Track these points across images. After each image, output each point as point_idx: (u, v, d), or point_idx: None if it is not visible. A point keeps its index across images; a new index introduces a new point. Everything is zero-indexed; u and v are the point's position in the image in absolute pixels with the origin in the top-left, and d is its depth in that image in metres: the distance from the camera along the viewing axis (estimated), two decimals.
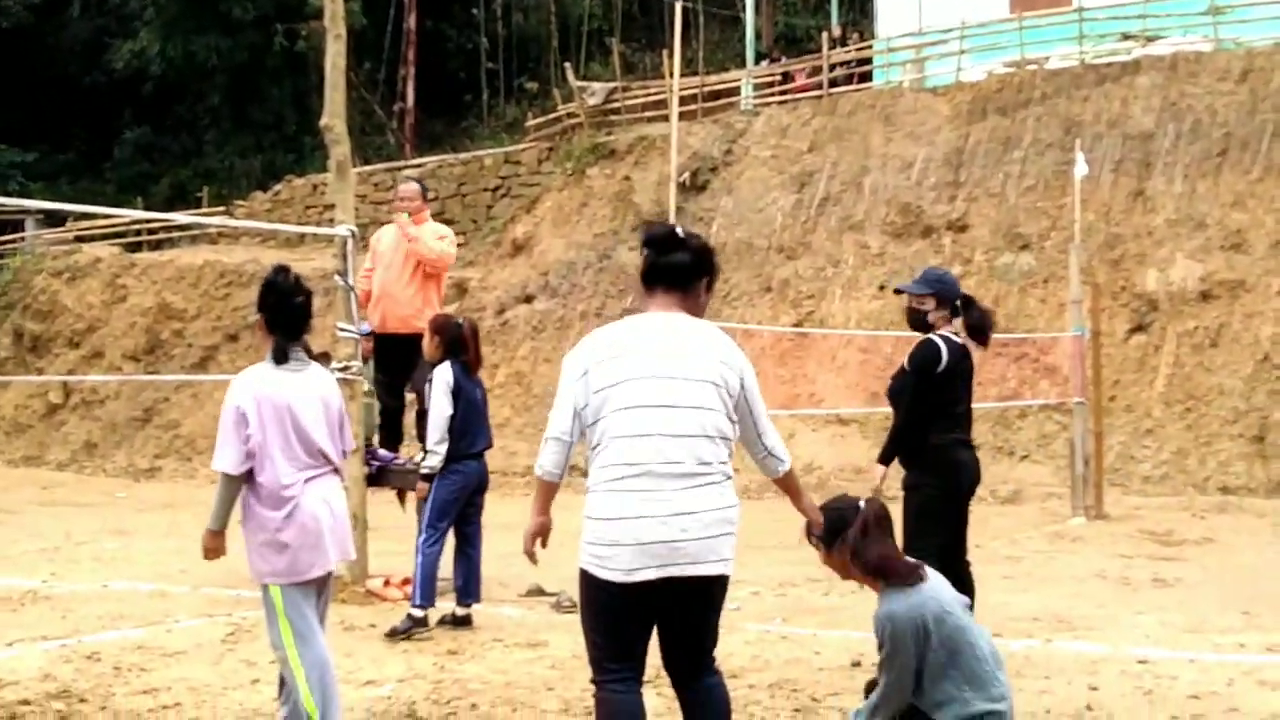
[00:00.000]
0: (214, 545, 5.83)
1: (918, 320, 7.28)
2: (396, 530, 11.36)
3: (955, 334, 7.20)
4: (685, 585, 4.58)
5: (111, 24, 37.95)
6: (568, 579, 10.10)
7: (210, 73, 36.40)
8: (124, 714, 6.67)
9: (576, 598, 9.45)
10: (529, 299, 23.27)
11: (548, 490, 4.94)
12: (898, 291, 7.78)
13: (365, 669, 7.61)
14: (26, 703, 6.82)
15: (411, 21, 35.55)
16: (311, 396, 5.91)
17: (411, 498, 10.81)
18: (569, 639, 8.52)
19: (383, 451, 10.81)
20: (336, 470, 6.03)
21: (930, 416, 7.08)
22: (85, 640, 8.61)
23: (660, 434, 4.61)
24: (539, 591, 10.01)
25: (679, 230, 4.99)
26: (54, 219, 31.92)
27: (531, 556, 4.98)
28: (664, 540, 4.53)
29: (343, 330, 10.27)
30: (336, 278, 10.49)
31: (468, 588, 9.12)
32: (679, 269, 4.89)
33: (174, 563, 12.37)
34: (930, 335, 7.16)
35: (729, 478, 4.70)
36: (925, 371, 7.07)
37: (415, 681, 7.39)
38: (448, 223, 23.79)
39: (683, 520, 4.54)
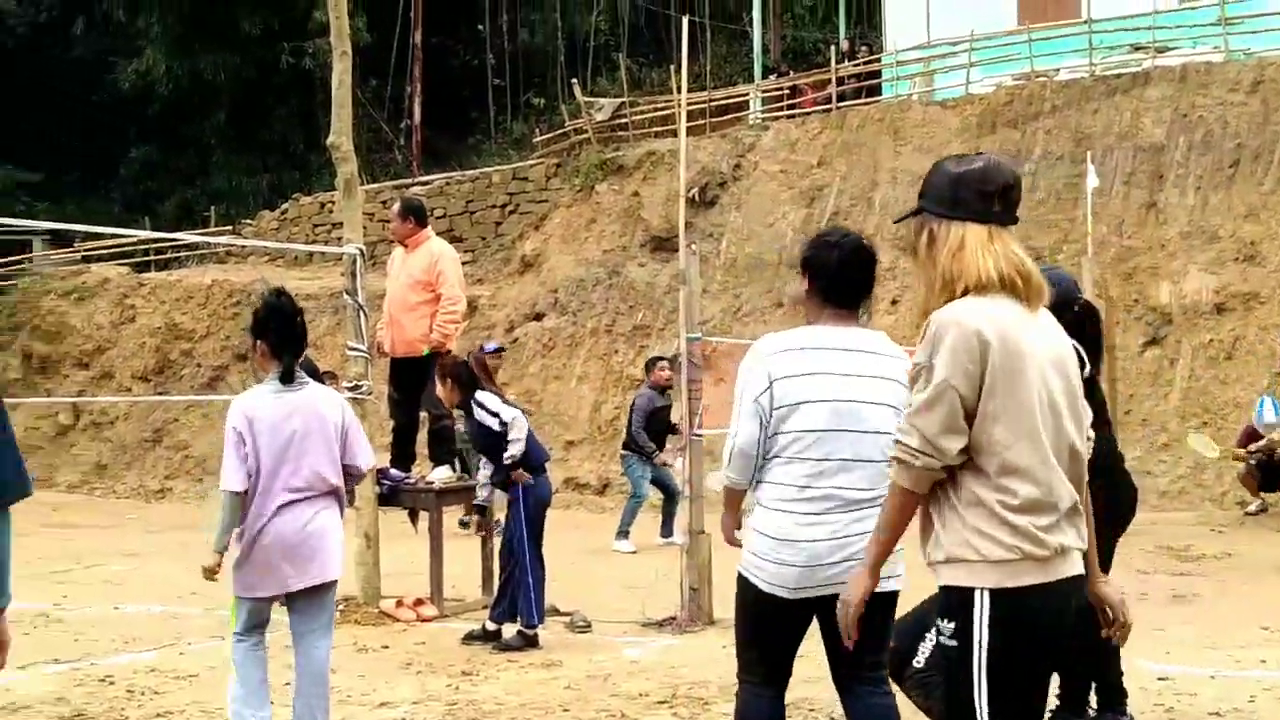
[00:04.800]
0: (213, 565, 6.01)
1: None
2: (409, 549, 11.35)
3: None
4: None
5: (117, 43, 38.03)
6: (580, 599, 10.16)
7: (216, 91, 36.46)
8: None
9: (589, 617, 9.53)
10: (539, 316, 23.27)
11: (737, 496, 4.91)
12: None
13: (379, 691, 7.61)
14: None
15: (418, 38, 35.59)
16: (310, 416, 5.98)
17: (424, 517, 10.85)
18: (583, 659, 8.54)
19: (394, 471, 10.81)
20: (334, 491, 6.07)
21: None
22: (98, 663, 8.63)
23: (840, 459, 4.62)
24: (554, 611, 9.99)
25: (865, 241, 4.95)
26: (61, 239, 31.98)
27: (733, 542, 4.96)
28: (835, 562, 4.55)
29: (352, 349, 10.29)
30: (345, 296, 10.51)
31: (513, 607, 9.17)
32: (865, 282, 4.87)
33: (185, 584, 12.35)
34: None
35: None
36: None
37: (429, 703, 7.39)
38: (455, 240, 23.91)
39: (855, 543, 4.50)
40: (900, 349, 4.87)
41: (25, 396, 25.37)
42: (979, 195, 3.61)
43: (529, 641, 8.93)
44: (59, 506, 21.00)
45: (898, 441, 3.56)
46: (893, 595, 4.70)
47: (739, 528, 4.95)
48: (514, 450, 8.90)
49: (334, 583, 6.15)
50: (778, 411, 4.66)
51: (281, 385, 6.03)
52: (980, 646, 3.45)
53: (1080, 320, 6.59)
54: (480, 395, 9.02)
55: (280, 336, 6.08)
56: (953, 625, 3.51)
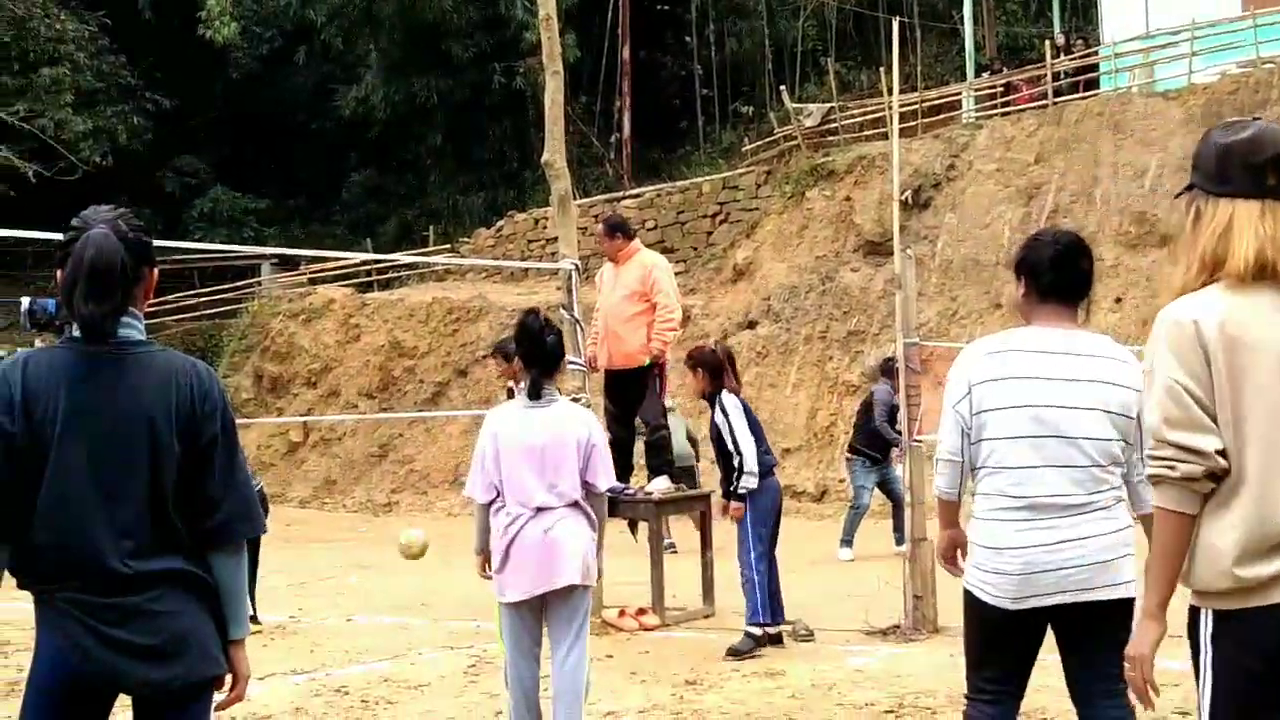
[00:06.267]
0: (478, 566, 6.48)
1: None
2: (633, 558, 11.47)
3: None
4: (1080, 611, 4.49)
5: (336, 71, 39.20)
6: (801, 608, 10.13)
7: (431, 113, 37.30)
8: None
9: (811, 626, 9.51)
10: (752, 325, 23.27)
11: (948, 508, 4.81)
12: None
13: (604, 700, 7.69)
14: None
15: (626, 53, 35.90)
16: (555, 432, 6.22)
17: (643, 528, 10.97)
18: (807, 668, 8.51)
19: (614, 483, 10.93)
20: (576, 504, 6.24)
21: None
22: (333, 674, 8.91)
23: (1046, 465, 4.49)
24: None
25: (1081, 240, 4.78)
26: (288, 262, 33.03)
27: (951, 568, 4.87)
28: (1054, 568, 4.43)
29: (571, 363, 10.44)
30: (562, 311, 10.69)
31: (778, 609, 9.27)
32: (1082, 279, 4.68)
33: (415, 596, 12.71)
34: None
35: (1120, 500, 4.54)
36: None
37: (654, 712, 7.45)
38: (667, 251, 24.03)
39: (1073, 547, 4.43)
40: (1124, 350, 4.70)
41: (258, 416, 26.34)
42: (1247, 168, 3.30)
43: (757, 641, 8.97)
44: (292, 521, 21.72)
45: (1151, 458, 3.34)
46: (1129, 602, 4.54)
47: (957, 545, 4.83)
48: (748, 484, 9.04)
49: (581, 591, 6.33)
50: (977, 418, 4.58)
51: (529, 401, 6.30)
52: (1205, 667, 3.31)
53: None
54: (726, 399, 9.14)
55: (528, 353, 6.38)
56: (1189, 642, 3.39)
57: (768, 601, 9.09)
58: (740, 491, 9.07)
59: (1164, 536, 3.34)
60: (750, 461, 9.02)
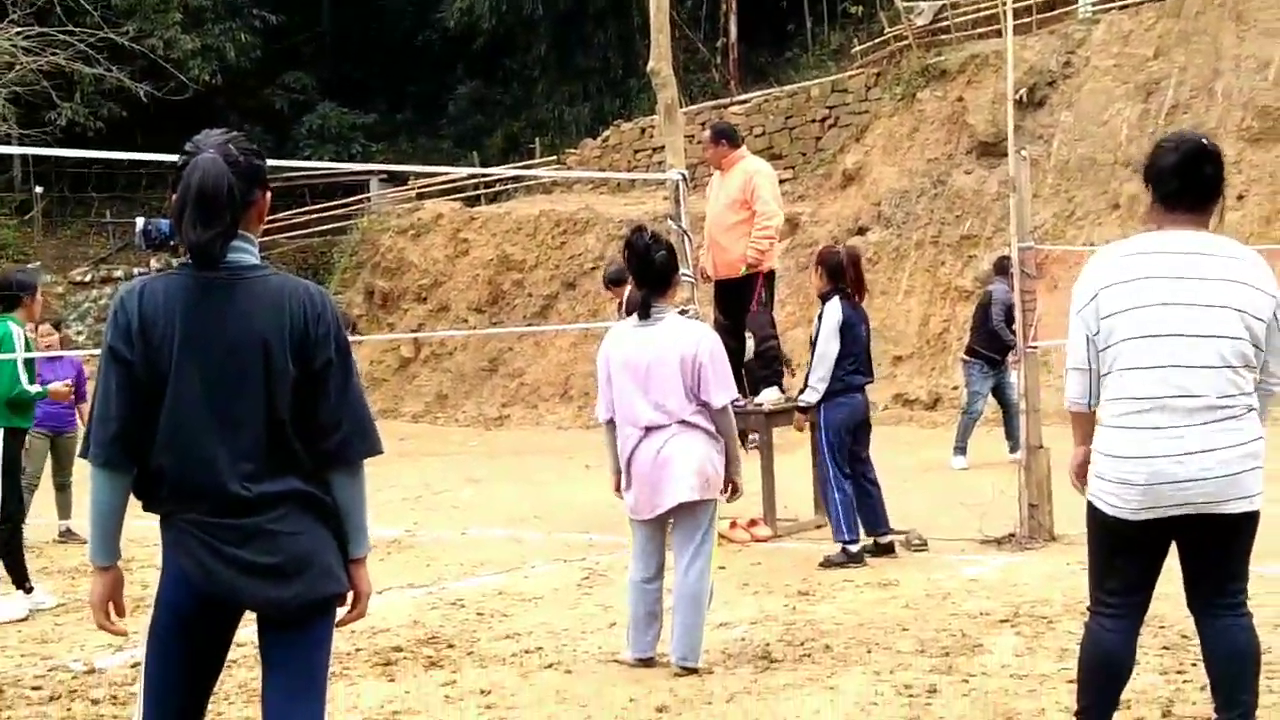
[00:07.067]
0: (612, 486, 6.69)
1: None
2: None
3: None
4: (1205, 523, 4.46)
5: None
6: (914, 517, 10.13)
7: (536, 22, 37.19)
8: (489, 658, 6.97)
9: (924, 536, 9.52)
10: (862, 231, 23.03)
11: (1080, 420, 4.78)
12: None
13: (718, 611, 7.74)
14: (399, 649, 7.23)
15: None
16: (660, 351, 6.26)
17: (754, 439, 10.97)
18: (920, 578, 8.54)
19: None
20: (688, 421, 6.28)
21: None
22: (449, 587, 9.08)
23: (1174, 365, 4.42)
24: (888, 530, 10.01)
25: (1206, 141, 4.67)
26: (396, 178, 33.23)
27: (1080, 486, 4.82)
28: (1180, 480, 4.39)
29: (680, 274, 10.45)
30: (669, 222, 10.69)
31: (878, 519, 9.27)
32: (1208, 185, 4.61)
33: (527, 509, 12.89)
34: None
35: (1252, 409, 4.48)
36: None
37: (767, 623, 7.52)
38: (774, 158, 23.86)
39: (1201, 459, 4.38)
40: (1253, 253, 4.61)
41: (370, 332, 26.69)
42: None
43: (851, 558, 8.99)
44: (406, 436, 22.07)
45: None
46: (1254, 515, 4.50)
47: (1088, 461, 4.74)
48: (807, 398, 9.03)
49: (702, 505, 6.44)
50: (1104, 322, 4.51)
51: (640, 320, 6.35)
52: None
53: None
54: (829, 306, 9.08)
55: (638, 272, 6.50)
56: None
57: (852, 516, 9.07)
58: (801, 404, 9.04)
59: None
60: (815, 375, 8.97)
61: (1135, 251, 4.60)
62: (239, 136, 3.64)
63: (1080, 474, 4.81)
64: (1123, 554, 4.60)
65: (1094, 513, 4.62)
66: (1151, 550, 4.59)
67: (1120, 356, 4.51)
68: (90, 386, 9.35)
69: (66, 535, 12.06)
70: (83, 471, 3.75)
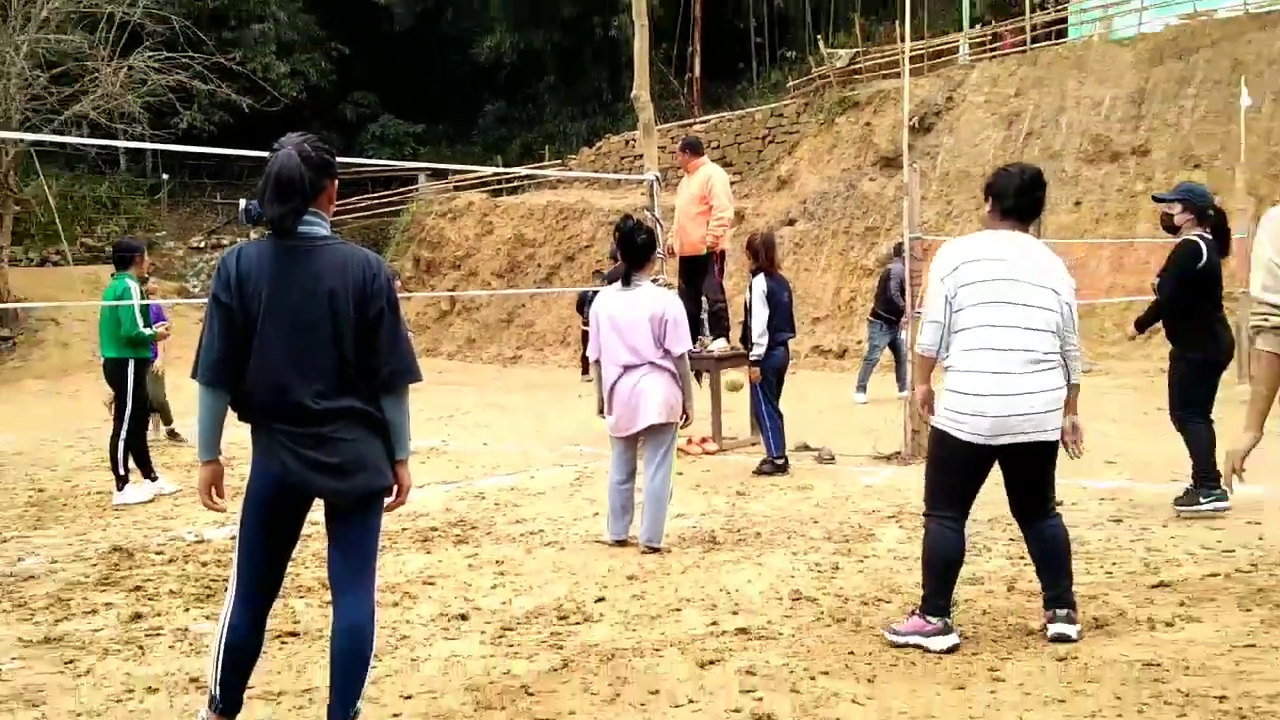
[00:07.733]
0: (597, 408, 6.70)
1: (1167, 223, 7.03)
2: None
3: (1206, 235, 6.88)
4: (1029, 449, 4.47)
5: (475, 24, 38.75)
6: (826, 438, 10.14)
7: (546, 59, 36.79)
8: (503, 538, 6.96)
9: (833, 452, 9.48)
10: (791, 222, 22.96)
11: (926, 364, 4.71)
12: (1156, 199, 7.29)
13: (675, 506, 7.75)
14: (434, 529, 7.22)
15: (698, 10, 35.22)
16: (636, 309, 6.25)
17: (705, 378, 10.95)
18: (829, 484, 8.53)
19: None
20: (655, 363, 6.28)
21: (1192, 300, 6.81)
22: (473, 484, 9.04)
23: (1017, 326, 4.44)
24: (805, 447, 10.01)
25: (1039, 172, 4.69)
26: (438, 174, 32.99)
27: (927, 413, 4.78)
28: (1018, 414, 4.40)
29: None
30: (646, 212, 10.62)
31: (778, 441, 9.19)
32: (1037, 204, 4.65)
33: (534, 427, 12.86)
34: (1191, 236, 6.86)
35: (1059, 366, 4.52)
36: (1186, 265, 6.79)
37: (713, 515, 7.51)
38: (726, 165, 23.71)
39: (1031, 399, 4.40)
40: (1052, 252, 4.65)
41: (417, 290, 26.55)
42: None
43: (777, 469, 8.95)
44: (443, 370, 22.00)
45: (1253, 314, 3.59)
46: (1056, 444, 4.54)
47: (932, 401, 4.74)
48: (758, 353, 8.92)
49: (667, 427, 6.42)
50: (963, 289, 4.50)
51: (623, 286, 6.40)
52: None
53: (1219, 219, 6.87)
54: (755, 281, 8.98)
55: (624, 250, 6.47)
56: None
57: (780, 438, 9.03)
58: (752, 358, 8.99)
59: (1264, 371, 3.70)
60: (755, 334, 8.90)
61: (985, 241, 4.62)
62: (313, 137, 3.57)
63: (926, 403, 4.79)
64: (964, 471, 4.55)
65: (944, 438, 4.54)
66: (984, 468, 4.56)
67: (975, 316, 4.48)
68: (160, 327, 9.30)
69: (172, 435, 11.98)
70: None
